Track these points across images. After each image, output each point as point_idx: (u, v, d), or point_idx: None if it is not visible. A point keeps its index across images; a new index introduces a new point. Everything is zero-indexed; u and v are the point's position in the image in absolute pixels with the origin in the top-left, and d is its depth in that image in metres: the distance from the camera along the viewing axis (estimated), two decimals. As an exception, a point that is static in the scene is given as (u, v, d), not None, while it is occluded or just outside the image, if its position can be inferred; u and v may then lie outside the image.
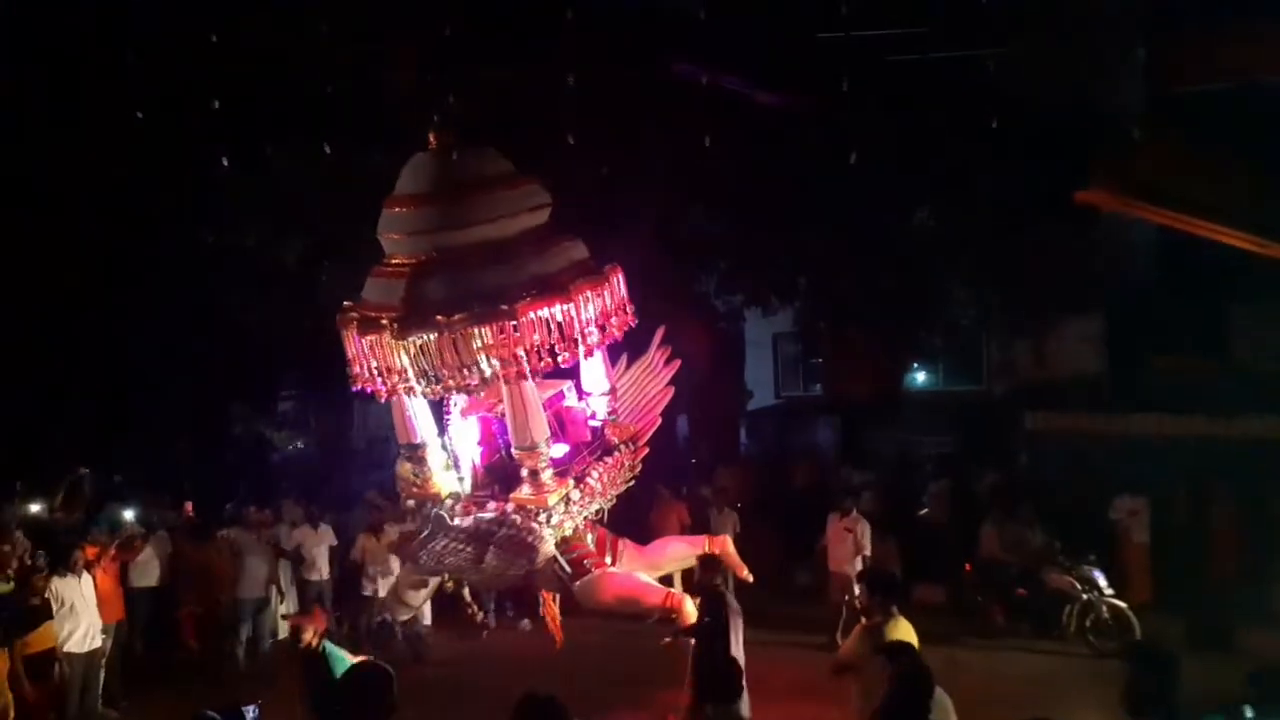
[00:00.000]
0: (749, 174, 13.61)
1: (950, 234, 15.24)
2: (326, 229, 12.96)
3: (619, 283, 7.31)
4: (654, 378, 8.44)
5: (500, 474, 7.28)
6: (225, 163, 10.75)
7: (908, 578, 10.58)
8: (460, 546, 7.02)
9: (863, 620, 6.12)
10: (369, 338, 6.77)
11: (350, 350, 7.02)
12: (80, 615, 8.02)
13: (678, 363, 8.50)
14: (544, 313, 6.64)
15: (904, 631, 5.69)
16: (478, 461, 7.55)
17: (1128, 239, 13.87)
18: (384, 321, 6.65)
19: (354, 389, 7.22)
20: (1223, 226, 8.87)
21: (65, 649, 7.91)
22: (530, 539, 6.77)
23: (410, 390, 6.85)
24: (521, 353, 6.51)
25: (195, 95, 10.71)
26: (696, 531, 13.26)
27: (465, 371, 6.57)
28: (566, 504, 7.07)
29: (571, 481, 7.15)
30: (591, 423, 7.83)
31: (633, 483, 8.03)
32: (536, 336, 6.59)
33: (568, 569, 7.16)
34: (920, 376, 19.16)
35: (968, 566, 11.78)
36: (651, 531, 12.41)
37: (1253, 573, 11.11)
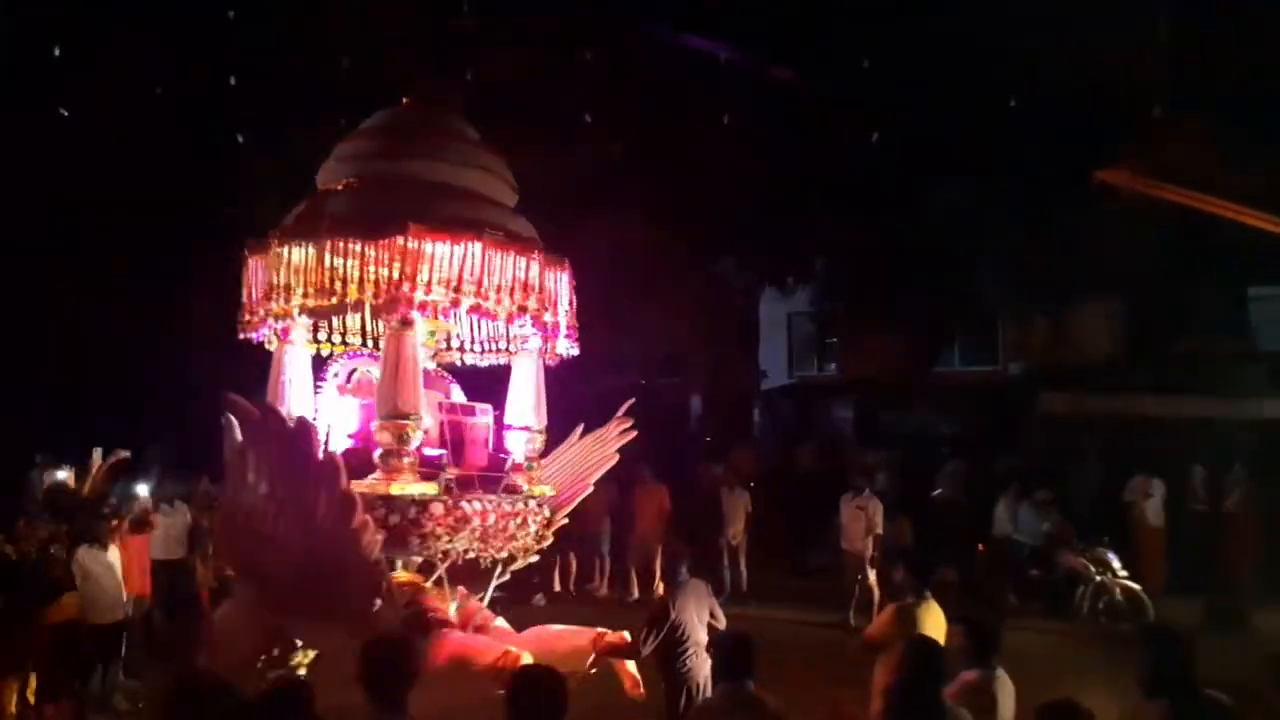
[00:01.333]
0: (766, 154, 13.55)
1: (968, 214, 15.15)
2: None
3: (560, 279, 6.28)
4: (601, 446, 7.21)
5: (360, 466, 5.80)
6: (241, 140, 10.76)
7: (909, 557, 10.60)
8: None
9: (894, 601, 6.10)
10: (255, 258, 6.07)
11: (245, 289, 6.20)
12: (104, 587, 8.12)
13: (632, 434, 7.30)
14: (443, 248, 5.67)
15: (934, 613, 5.66)
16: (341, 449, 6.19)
17: (1147, 220, 13.73)
18: (273, 238, 5.93)
19: (241, 333, 6.31)
20: (1243, 207, 8.78)
21: (89, 620, 8.01)
22: (356, 530, 5.14)
23: (288, 317, 5.92)
24: (414, 285, 5.55)
25: (214, 75, 10.73)
26: (696, 511, 13.29)
27: (344, 296, 5.60)
28: (421, 511, 5.54)
29: (436, 487, 5.70)
30: (498, 455, 6.39)
31: (535, 557, 6.55)
32: (436, 274, 5.61)
33: (401, 617, 5.52)
34: (936, 357, 19.10)
35: (980, 547, 11.79)
36: (632, 515, 12.45)
37: (1269, 555, 11.07)
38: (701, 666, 6.15)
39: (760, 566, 13.25)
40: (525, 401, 6.52)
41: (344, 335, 6.79)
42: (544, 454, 6.73)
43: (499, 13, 10.41)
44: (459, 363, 7.11)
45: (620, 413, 7.27)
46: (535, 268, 6.04)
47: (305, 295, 5.73)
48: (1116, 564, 10.69)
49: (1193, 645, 4.03)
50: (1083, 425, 14.17)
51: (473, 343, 7.20)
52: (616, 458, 7.30)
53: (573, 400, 7.43)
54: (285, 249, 5.79)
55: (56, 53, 11.33)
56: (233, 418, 5.57)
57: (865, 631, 6.23)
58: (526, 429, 6.45)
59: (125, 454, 10.47)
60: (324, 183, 6.39)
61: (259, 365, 6.68)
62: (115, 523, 8.85)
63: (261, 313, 6.06)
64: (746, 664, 4.44)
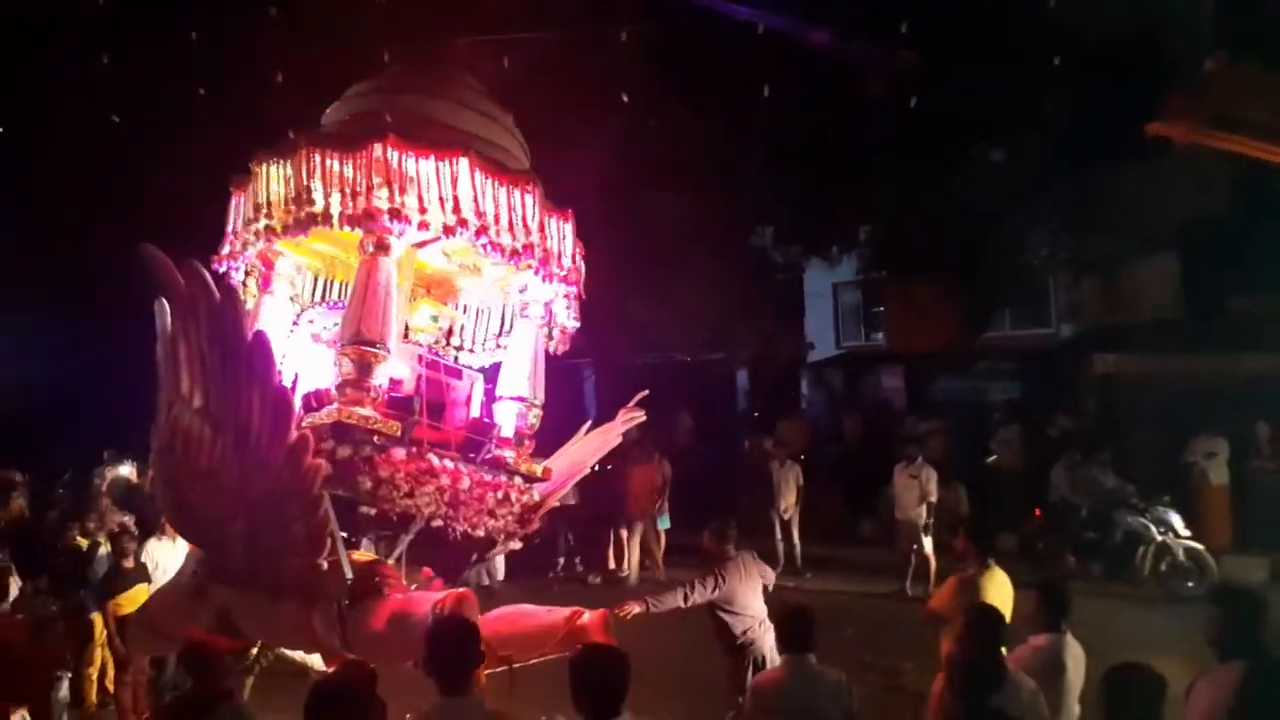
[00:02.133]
0: (808, 122, 13.39)
1: (1017, 173, 14.85)
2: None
3: (564, 228, 5.73)
4: (604, 436, 6.84)
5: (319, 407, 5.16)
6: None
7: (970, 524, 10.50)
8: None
9: (955, 570, 6.01)
10: (239, 192, 5.65)
11: (227, 218, 5.76)
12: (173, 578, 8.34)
13: (641, 419, 6.95)
14: (428, 164, 5.17)
15: (999, 582, 5.59)
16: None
17: (1203, 173, 13.35)
18: (252, 165, 5.49)
19: (218, 268, 5.62)
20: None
21: (160, 609, 8.24)
22: (294, 447, 4.44)
23: (269, 238, 5.32)
24: (383, 205, 5.02)
25: (232, 66, 10.80)
26: (745, 486, 13.23)
27: (326, 209, 5.07)
28: (378, 451, 4.85)
29: (403, 430, 4.96)
30: (482, 422, 5.78)
31: (512, 544, 5.90)
32: (419, 190, 5.10)
33: (348, 581, 4.77)
34: (986, 321, 18.81)
35: (1037, 512, 11.64)
36: (626, 488, 12.24)
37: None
38: (765, 638, 6.05)
39: (814, 539, 13.22)
40: (520, 370, 5.93)
41: (324, 295, 6.39)
42: (548, 452, 6.24)
43: None
44: (457, 362, 6.51)
45: (631, 404, 6.94)
46: (530, 203, 5.49)
47: (282, 213, 5.24)
48: (1179, 523, 10.47)
49: (1265, 606, 3.96)
50: (1139, 385, 13.88)
51: (479, 339, 6.83)
52: (619, 440, 7.03)
53: (618, 382, 7.43)
54: (263, 167, 5.39)
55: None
56: (162, 300, 4.72)
57: (929, 603, 6.18)
58: (520, 399, 5.85)
59: None
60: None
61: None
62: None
63: (240, 243, 5.56)
64: (807, 637, 4.45)
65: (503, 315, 6.82)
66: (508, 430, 5.75)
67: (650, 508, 12.27)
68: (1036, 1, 11.37)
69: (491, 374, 6.27)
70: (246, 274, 5.79)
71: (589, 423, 6.99)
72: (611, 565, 12.43)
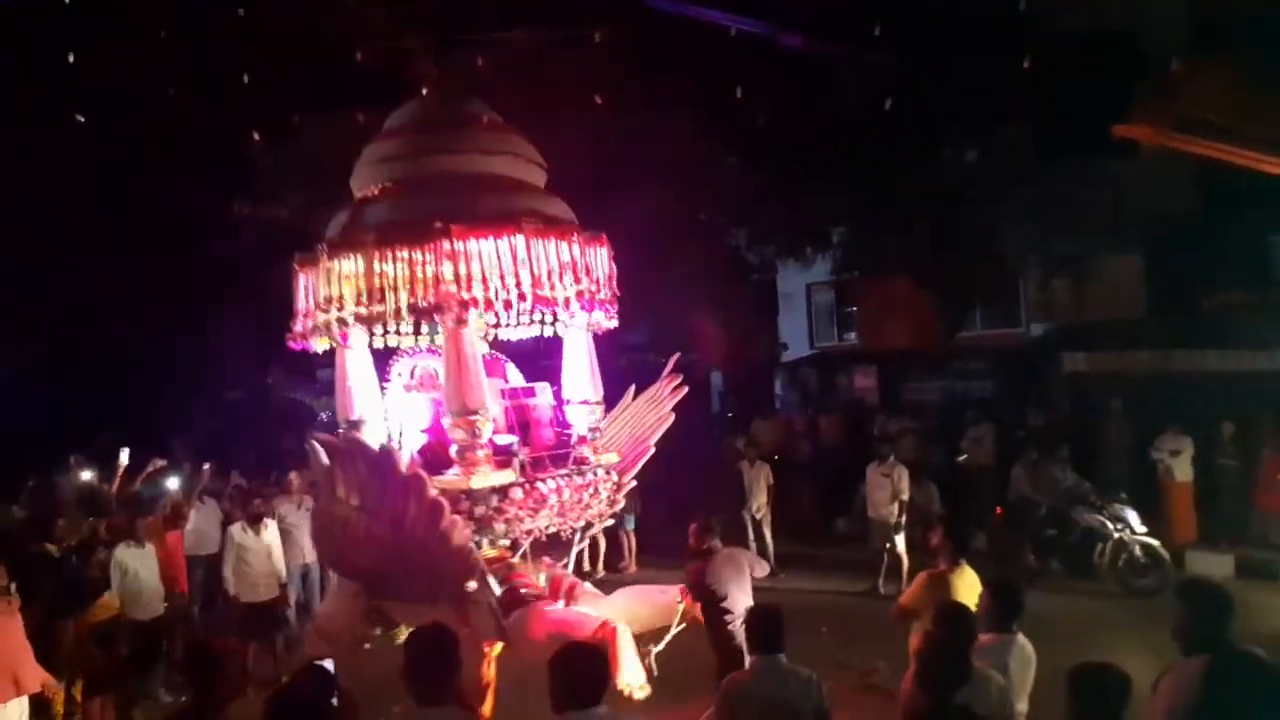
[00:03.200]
0: (779, 122, 13.42)
1: (987, 173, 14.97)
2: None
3: (598, 254, 6.39)
4: (655, 407, 7.54)
5: (438, 460, 6.12)
6: (257, 135, 10.76)
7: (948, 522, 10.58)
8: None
9: (926, 568, 6.15)
10: (305, 271, 6.24)
11: (296, 300, 6.38)
12: (144, 584, 8.24)
13: (683, 390, 7.60)
14: (489, 245, 5.79)
15: (969, 580, 5.70)
16: (417, 446, 6.57)
17: (1171, 171, 13.53)
18: (320, 249, 6.09)
19: (291, 344, 6.51)
20: (1267, 156, 8.63)
21: (129, 617, 8.14)
22: (445, 530, 5.43)
23: (342, 325, 6.00)
24: (459, 291, 5.69)
25: (227, 66, 10.72)
26: (718, 486, 13.31)
27: (396, 303, 5.74)
28: (501, 499, 5.86)
29: (513, 474, 5.98)
30: (562, 431, 6.73)
31: (606, 522, 7.04)
32: (483, 270, 5.73)
33: (496, 596, 5.84)
34: (958, 321, 18.96)
35: (999, 510, 11.73)
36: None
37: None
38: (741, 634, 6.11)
39: (788, 538, 13.28)
40: (581, 375, 6.71)
41: (399, 332, 6.85)
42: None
43: None
44: (500, 338, 7.25)
45: (667, 370, 7.62)
46: (577, 249, 6.18)
47: (357, 303, 5.90)
48: (1135, 520, 10.58)
49: (1229, 601, 4.02)
50: (1109, 383, 14.04)
51: (515, 318, 7.15)
52: (673, 418, 7.57)
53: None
54: (335, 262, 5.98)
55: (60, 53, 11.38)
56: (317, 446, 5.83)
57: (899, 600, 6.26)
58: (586, 402, 6.66)
59: (161, 463, 10.58)
60: (359, 188, 6.55)
61: (286, 362, 6.92)
62: (149, 519, 8.98)
63: (313, 323, 6.23)
64: (777, 637, 4.46)
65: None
66: (581, 429, 6.64)
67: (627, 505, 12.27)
68: (1005, 3, 11.49)
69: (553, 376, 7.03)
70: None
71: (632, 388, 7.65)
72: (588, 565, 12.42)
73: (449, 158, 6.28)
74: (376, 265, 5.80)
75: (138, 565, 8.20)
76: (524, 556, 6.55)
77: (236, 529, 9.16)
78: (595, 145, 12.16)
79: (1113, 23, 12.89)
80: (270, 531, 9.34)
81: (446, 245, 5.72)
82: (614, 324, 6.76)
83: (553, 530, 6.30)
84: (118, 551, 8.11)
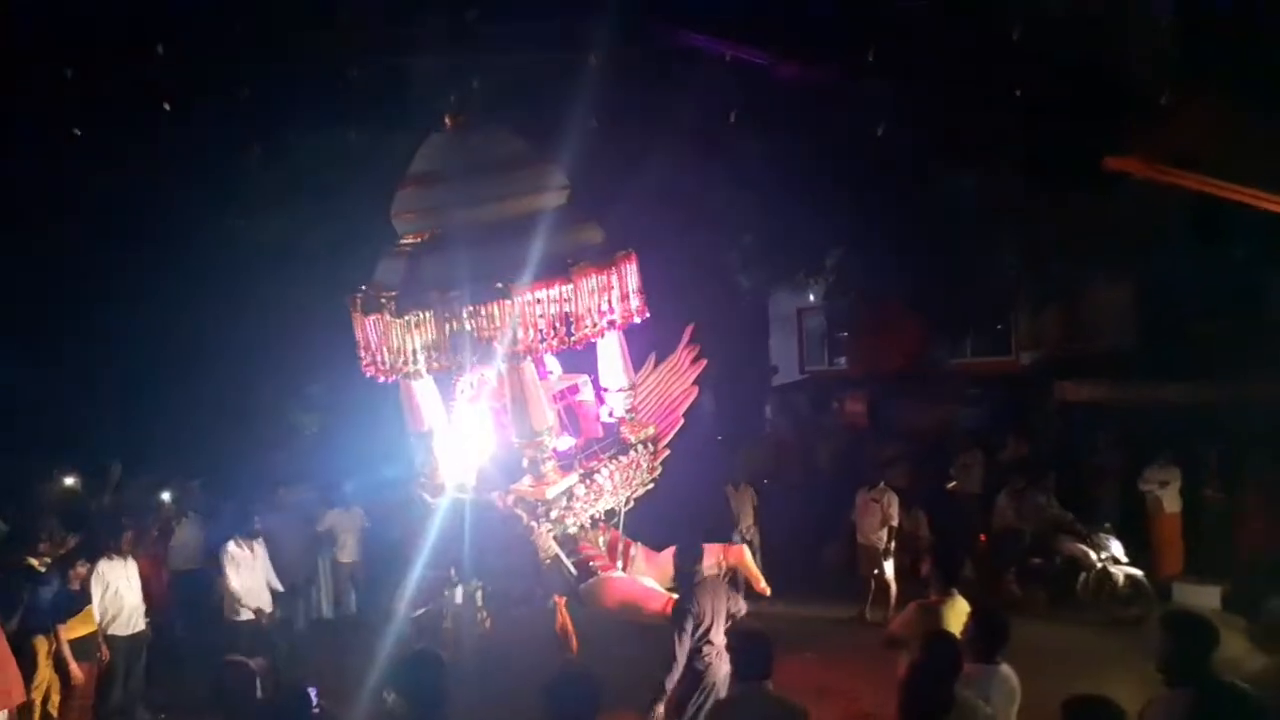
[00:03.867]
0: (774, 148, 13.50)
1: (978, 203, 15.05)
2: (353, 213, 13.02)
3: (630, 270, 7.05)
4: (679, 377, 8.30)
5: (507, 468, 7.00)
6: (253, 148, 10.79)
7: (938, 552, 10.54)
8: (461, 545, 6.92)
9: (918, 596, 6.09)
10: (371, 317, 6.77)
11: (359, 333, 6.98)
12: (124, 598, 8.16)
13: (703, 362, 8.34)
14: (542, 294, 6.48)
15: (960, 610, 5.60)
16: (486, 454, 7.27)
17: (1160, 204, 13.63)
18: (384, 301, 6.63)
19: (364, 372, 7.13)
20: (1256, 191, 8.72)
21: (109, 631, 8.06)
22: (529, 534, 6.58)
23: (414, 373, 6.73)
24: (519, 333, 6.38)
25: (218, 80, 10.76)
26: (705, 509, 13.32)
27: (463, 352, 6.47)
28: (569, 499, 6.84)
29: (576, 476, 6.92)
30: (607, 419, 7.65)
31: (652, 485, 7.86)
32: (537, 318, 6.44)
33: (573, 570, 6.90)
34: (948, 348, 19.00)
35: (983, 537, 11.71)
36: None
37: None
38: (720, 665, 6.04)
39: (776, 563, 13.22)
40: (615, 365, 7.51)
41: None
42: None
43: (496, 15, 10.44)
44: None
45: (685, 339, 8.33)
46: (614, 277, 6.87)
47: (426, 356, 6.55)
48: (1118, 549, 10.58)
49: (1214, 633, 4.01)
50: (1099, 413, 14.07)
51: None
52: (696, 390, 8.33)
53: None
54: (403, 317, 6.55)
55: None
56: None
57: (890, 627, 6.22)
58: (621, 389, 7.54)
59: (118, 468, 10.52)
60: (404, 231, 7.05)
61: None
62: (132, 533, 8.91)
63: (383, 366, 6.84)
64: (764, 663, 4.43)
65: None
66: (620, 412, 7.59)
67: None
68: (1001, 32, 11.59)
69: (589, 365, 7.67)
70: None
71: (654, 354, 8.40)
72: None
73: (493, 206, 6.72)
74: (445, 325, 6.44)
75: (118, 579, 8.14)
76: (583, 527, 7.31)
77: (104, 562, 8.33)
78: (587, 164, 12.21)
79: (1105, 55, 12.99)
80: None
81: (507, 303, 6.33)
82: (643, 318, 7.29)
83: (609, 508, 7.31)
84: (100, 566, 8.04)
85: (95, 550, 8.34)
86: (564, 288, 6.53)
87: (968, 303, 16.44)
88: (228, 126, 11.47)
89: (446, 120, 7.09)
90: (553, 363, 7.81)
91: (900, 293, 16.21)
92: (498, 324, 6.36)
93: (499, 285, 6.32)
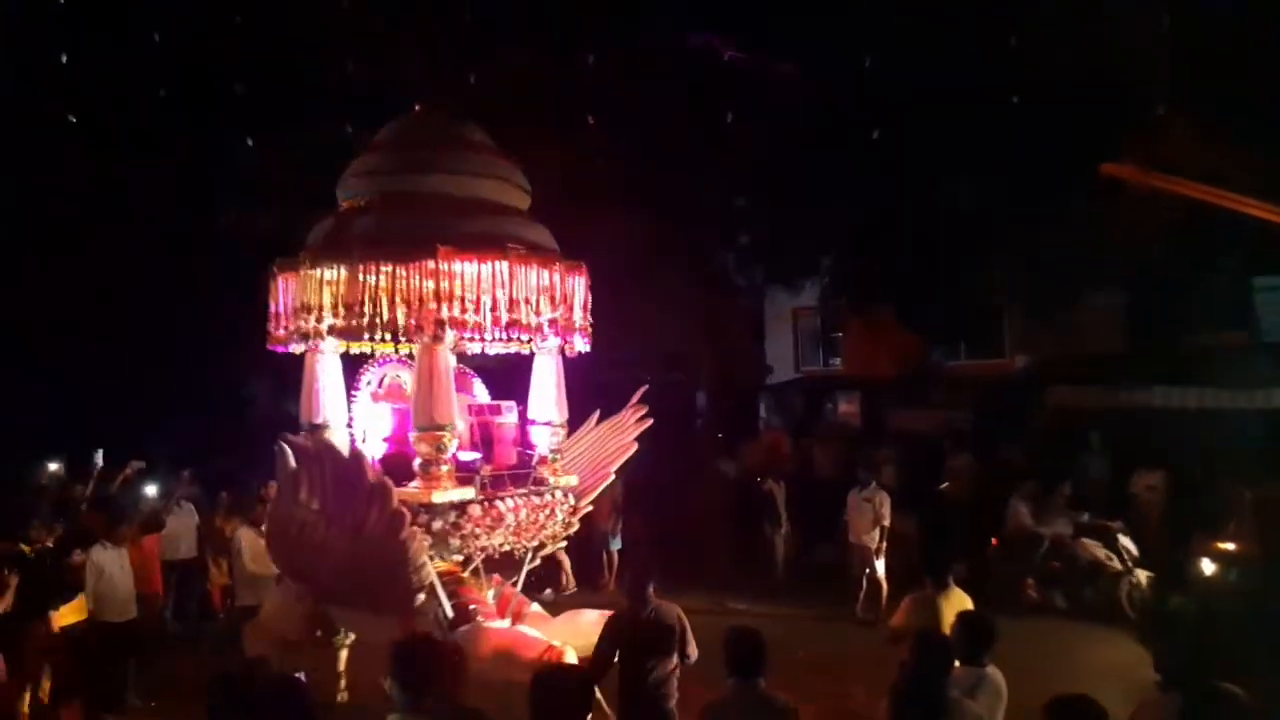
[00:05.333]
0: (771, 150, 13.54)
1: (974, 208, 15.11)
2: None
3: (578, 283, 6.53)
4: (618, 434, 7.58)
5: (398, 471, 6.13)
6: (247, 144, 10.78)
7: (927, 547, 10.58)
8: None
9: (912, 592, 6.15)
10: (285, 276, 6.28)
11: (272, 301, 6.45)
12: (117, 586, 8.16)
13: (648, 422, 7.64)
14: (473, 267, 5.89)
15: (956, 603, 5.68)
16: (379, 454, 6.68)
17: (1152, 212, 13.71)
18: (303, 257, 6.19)
19: (270, 344, 6.58)
20: (1247, 199, 8.79)
21: (102, 618, 8.05)
22: (404, 540, 5.48)
23: (316, 333, 6.07)
24: (443, 305, 5.79)
25: (209, 78, 10.75)
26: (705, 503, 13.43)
27: (375, 316, 5.79)
28: (460, 515, 5.96)
29: (473, 491, 6.07)
30: (525, 451, 6.86)
31: (553, 549, 7.12)
32: (466, 290, 5.82)
33: (448, 611, 5.93)
34: (943, 351, 19.06)
35: (994, 541, 11.69)
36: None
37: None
38: (670, 696, 5.41)
39: (767, 562, 13.33)
40: (547, 397, 6.88)
41: (372, 339, 6.77)
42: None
43: (496, 12, 10.44)
44: (476, 354, 7.24)
45: (634, 400, 7.68)
46: (558, 277, 6.33)
47: (335, 315, 5.96)
48: (1136, 552, 10.60)
49: (1208, 635, 4.04)
50: (1090, 418, 14.15)
51: (486, 334, 7.15)
52: (635, 446, 7.62)
53: (576, 398, 7.55)
54: (317, 270, 6.03)
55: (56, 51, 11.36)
56: (286, 447, 5.94)
57: (891, 621, 6.24)
58: (549, 424, 6.83)
59: (140, 464, 10.49)
60: (345, 199, 6.59)
61: (269, 366, 6.99)
62: (127, 527, 8.89)
63: (290, 328, 6.27)
64: (757, 662, 4.45)
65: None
66: (543, 449, 6.79)
67: (612, 525, 12.28)
68: (997, 39, 11.64)
69: (519, 394, 7.12)
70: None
71: (596, 414, 7.73)
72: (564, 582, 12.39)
73: (439, 177, 6.36)
74: (360, 276, 5.86)
75: (112, 567, 8.13)
76: (475, 573, 6.63)
77: (96, 550, 8.10)
78: (584, 163, 12.23)
79: (1100, 64, 13.07)
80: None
81: (431, 264, 5.81)
82: (587, 348, 6.83)
83: (506, 548, 6.41)
84: (93, 553, 8.03)
85: (83, 538, 8.31)
86: (499, 265, 5.93)
87: (962, 305, 16.50)
88: (219, 122, 11.44)
89: (416, 107, 6.94)
90: (481, 389, 7.33)
91: (895, 295, 16.26)
92: (419, 289, 5.76)
93: (426, 243, 5.80)
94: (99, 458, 9.92)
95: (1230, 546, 9.91)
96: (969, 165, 14.30)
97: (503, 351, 7.28)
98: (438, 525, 5.91)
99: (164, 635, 9.76)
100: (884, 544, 11.01)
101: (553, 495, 6.64)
